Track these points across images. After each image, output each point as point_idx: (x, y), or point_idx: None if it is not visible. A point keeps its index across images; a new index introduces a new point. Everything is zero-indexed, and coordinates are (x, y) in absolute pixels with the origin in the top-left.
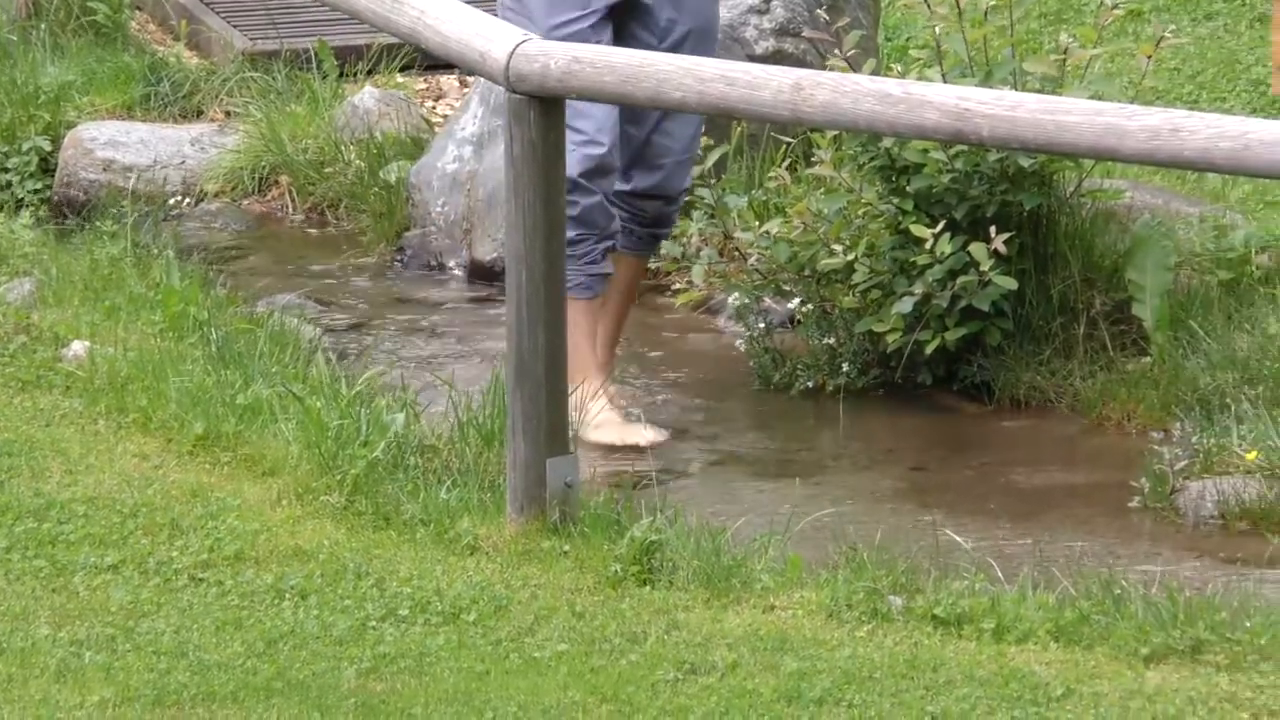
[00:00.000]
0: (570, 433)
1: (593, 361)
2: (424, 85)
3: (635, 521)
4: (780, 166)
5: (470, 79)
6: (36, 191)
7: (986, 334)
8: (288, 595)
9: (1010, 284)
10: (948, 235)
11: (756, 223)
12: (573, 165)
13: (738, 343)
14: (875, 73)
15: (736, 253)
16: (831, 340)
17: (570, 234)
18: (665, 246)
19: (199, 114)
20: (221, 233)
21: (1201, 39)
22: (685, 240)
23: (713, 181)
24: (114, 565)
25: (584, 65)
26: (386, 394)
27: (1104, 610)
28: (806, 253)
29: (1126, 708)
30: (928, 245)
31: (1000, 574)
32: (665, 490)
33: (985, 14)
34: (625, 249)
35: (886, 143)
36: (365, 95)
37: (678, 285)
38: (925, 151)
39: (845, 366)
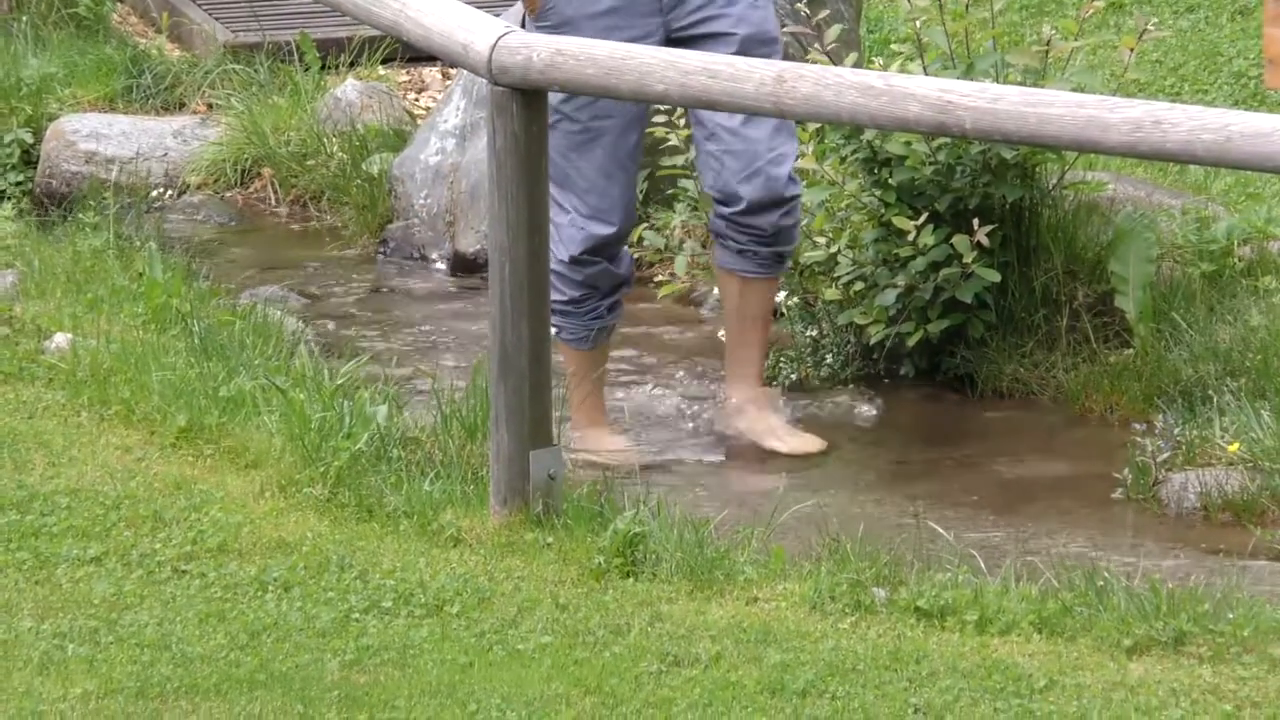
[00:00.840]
0: (554, 425)
1: (598, 409)
2: (406, 77)
3: (618, 514)
4: None
5: (453, 71)
6: (19, 184)
7: (969, 326)
8: (271, 587)
9: (993, 276)
10: (930, 227)
11: None
12: (574, 243)
13: (721, 335)
14: (857, 66)
15: None
16: (814, 332)
17: (574, 293)
18: (648, 237)
19: (181, 106)
20: (204, 225)
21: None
22: (668, 232)
23: (695, 174)
24: (97, 557)
25: (566, 58)
26: (369, 386)
27: (1087, 602)
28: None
29: (1109, 699)
30: (910, 237)
31: (983, 566)
32: (649, 482)
33: (966, 6)
34: (752, 274)
35: (869, 135)
36: (347, 88)
37: (661, 277)
38: (908, 144)
39: (828, 358)
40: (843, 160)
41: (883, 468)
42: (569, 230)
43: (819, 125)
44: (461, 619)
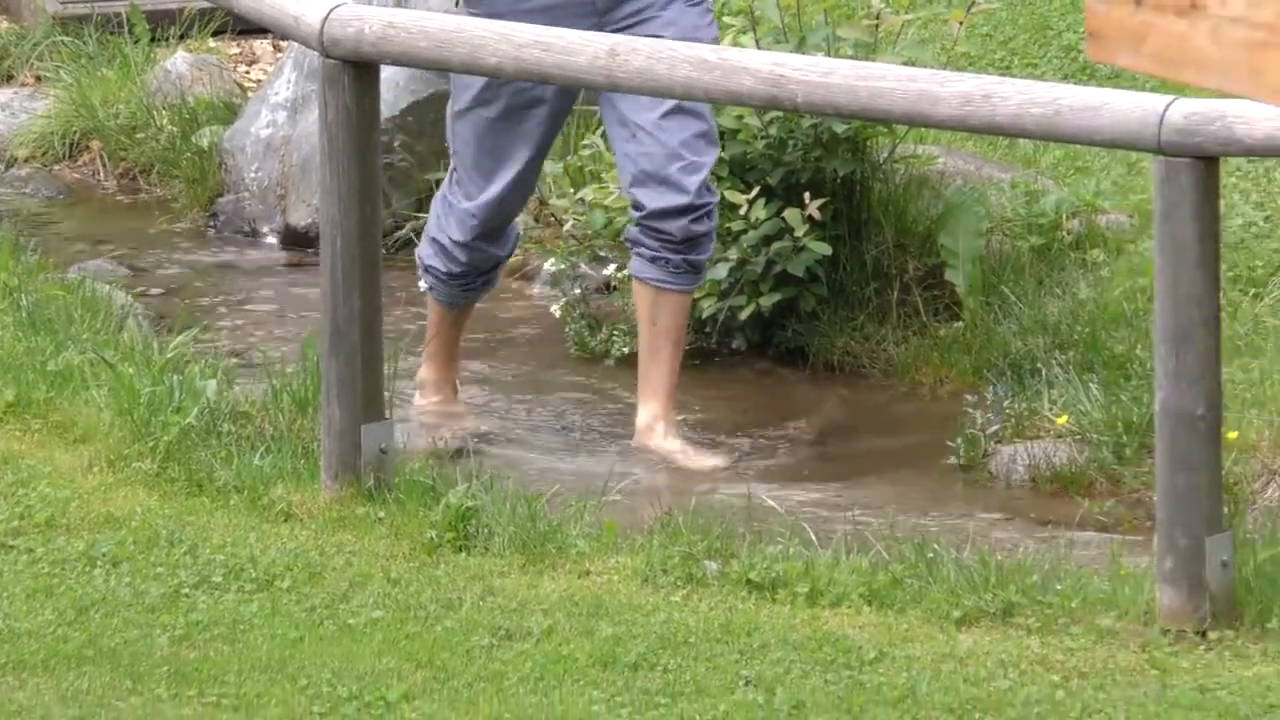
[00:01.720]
0: (386, 398)
1: (449, 358)
2: (237, 50)
3: (451, 488)
4: (595, 133)
5: (284, 44)
6: None
7: (801, 299)
8: (99, 563)
9: (824, 249)
10: (762, 201)
11: (572, 189)
12: (467, 227)
13: (554, 309)
14: None
15: (552, 219)
16: None
17: (454, 268)
18: None
19: (9, 78)
20: (32, 198)
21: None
22: None
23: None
24: None
25: (398, 30)
26: (199, 360)
27: (917, 574)
28: (622, 219)
29: (938, 670)
30: (742, 211)
31: (814, 538)
32: (481, 457)
33: None
34: (665, 284)
35: None
36: (177, 60)
37: None
38: (740, 118)
39: None
40: None
41: (714, 441)
42: (459, 212)
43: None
44: (292, 594)
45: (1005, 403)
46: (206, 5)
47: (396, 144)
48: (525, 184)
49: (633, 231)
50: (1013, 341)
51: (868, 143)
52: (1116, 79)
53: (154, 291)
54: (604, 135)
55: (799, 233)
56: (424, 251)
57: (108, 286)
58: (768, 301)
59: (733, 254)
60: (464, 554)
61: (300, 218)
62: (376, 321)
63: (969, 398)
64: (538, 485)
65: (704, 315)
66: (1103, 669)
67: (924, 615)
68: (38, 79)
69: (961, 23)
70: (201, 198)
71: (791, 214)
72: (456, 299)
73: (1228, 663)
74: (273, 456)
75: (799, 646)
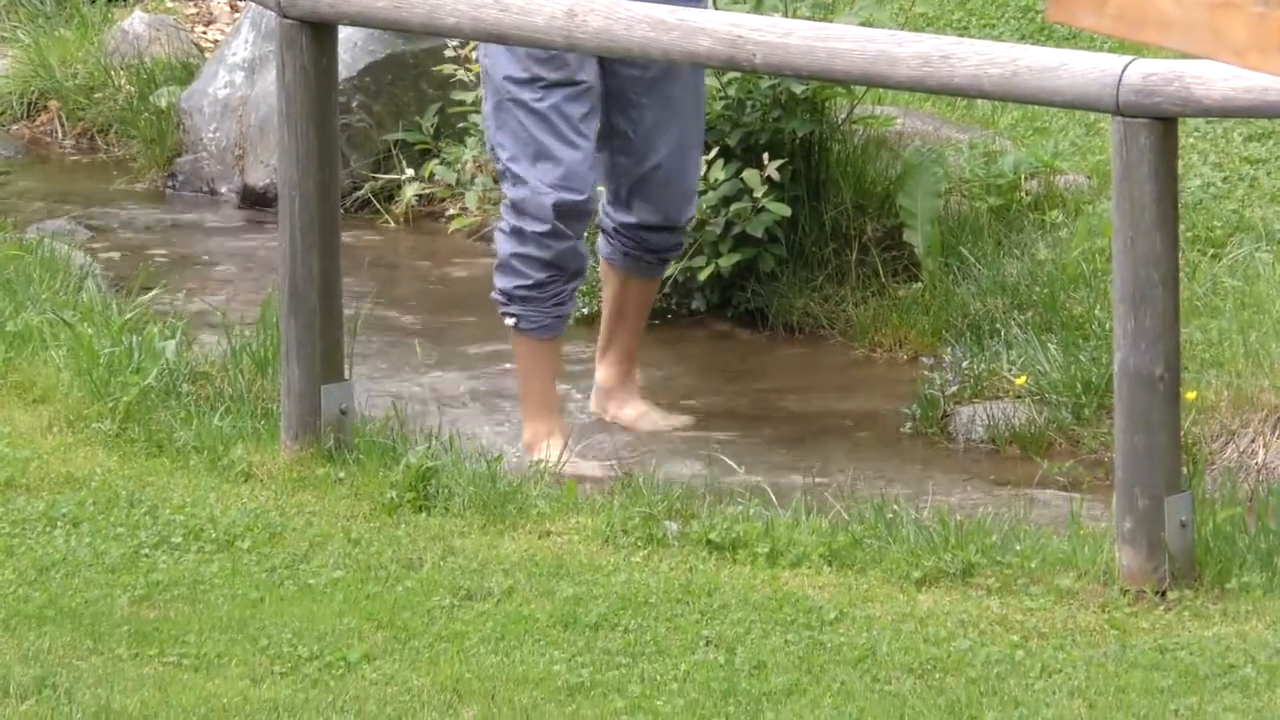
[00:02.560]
0: (345, 359)
1: (554, 407)
2: (194, 10)
3: (411, 448)
4: None
5: (241, 4)
6: None
7: (760, 260)
8: (59, 523)
9: (783, 210)
10: (721, 162)
11: None
12: (547, 209)
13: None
14: None
15: None
16: None
17: (540, 275)
18: (439, 172)
19: None
20: None
21: None
22: (460, 167)
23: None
24: None
25: None
26: (159, 321)
27: (876, 534)
28: None
29: (899, 630)
30: (701, 172)
31: (774, 499)
32: (440, 417)
33: None
34: (634, 273)
35: None
36: (135, 20)
37: (452, 211)
38: None
39: None
40: None
41: (675, 402)
42: (534, 202)
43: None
44: (252, 554)
45: (964, 363)
46: None
47: (354, 104)
48: (587, 159)
49: (607, 223)
50: (971, 302)
51: (826, 104)
52: (1074, 40)
53: (113, 252)
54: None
55: (758, 194)
56: (502, 282)
57: (66, 246)
58: (727, 262)
59: None
60: (424, 514)
61: (258, 178)
62: (335, 282)
63: (927, 359)
64: (497, 446)
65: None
66: (1062, 629)
67: (884, 575)
68: None
69: None
70: (160, 158)
71: (750, 175)
72: (548, 320)
73: (1187, 623)
74: (232, 417)
75: (759, 607)
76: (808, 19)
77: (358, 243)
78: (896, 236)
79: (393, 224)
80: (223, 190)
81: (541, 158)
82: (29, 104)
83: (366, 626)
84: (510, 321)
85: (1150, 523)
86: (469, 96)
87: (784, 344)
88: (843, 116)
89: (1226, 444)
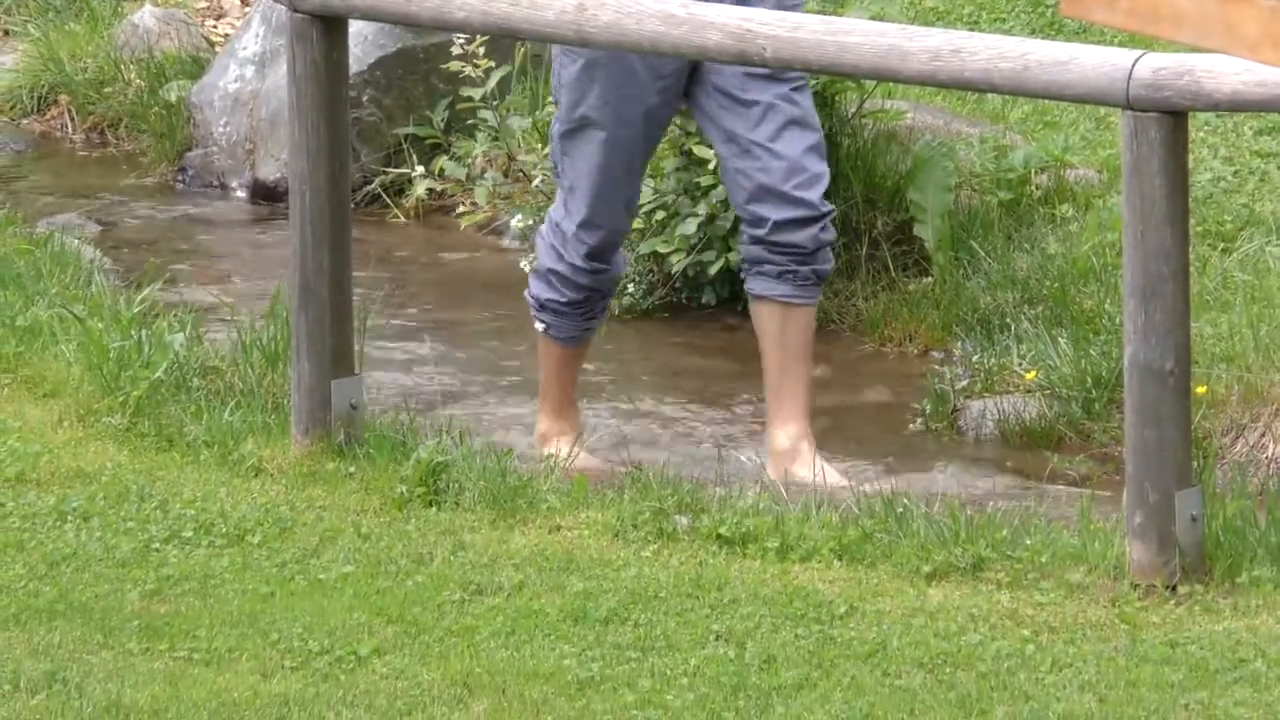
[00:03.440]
0: (356, 353)
1: (572, 406)
2: (205, 4)
3: (421, 443)
4: None
5: None
6: None
7: None
8: (70, 517)
9: None
10: None
11: (540, 144)
12: (589, 247)
13: (522, 264)
14: None
15: (520, 174)
16: None
17: (576, 296)
18: (449, 168)
19: None
20: None
21: None
22: (469, 161)
23: (496, 103)
24: None
25: None
26: (168, 315)
27: (886, 529)
28: None
29: (909, 625)
30: (711, 166)
31: (784, 493)
32: (451, 412)
33: None
34: (794, 299)
35: None
36: (145, 14)
37: (462, 206)
38: None
39: (630, 288)
40: None
41: (685, 396)
42: (578, 240)
43: None
44: (263, 549)
45: (974, 358)
46: None
47: (365, 99)
48: (635, 197)
49: (753, 251)
50: (982, 297)
51: (836, 98)
52: (1084, 34)
53: (123, 246)
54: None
55: None
56: (537, 289)
57: (76, 241)
58: (736, 257)
59: (702, 209)
60: (434, 509)
61: (269, 172)
62: (346, 276)
63: (937, 354)
64: (507, 440)
65: (673, 270)
66: (1073, 624)
67: (894, 570)
68: (5, 33)
69: None
70: (170, 152)
71: None
72: (577, 332)
73: (1197, 617)
74: (243, 411)
75: (769, 601)
76: (818, 13)
77: (368, 237)
78: (907, 231)
79: (403, 219)
80: (233, 184)
81: (597, 197)
82: (39, 98)
83: (377, 621)
84: (540, 327)
85: (1161, 517)
86: (478, 93)
87: None
88: (853, 111)
89: (1237, 438)
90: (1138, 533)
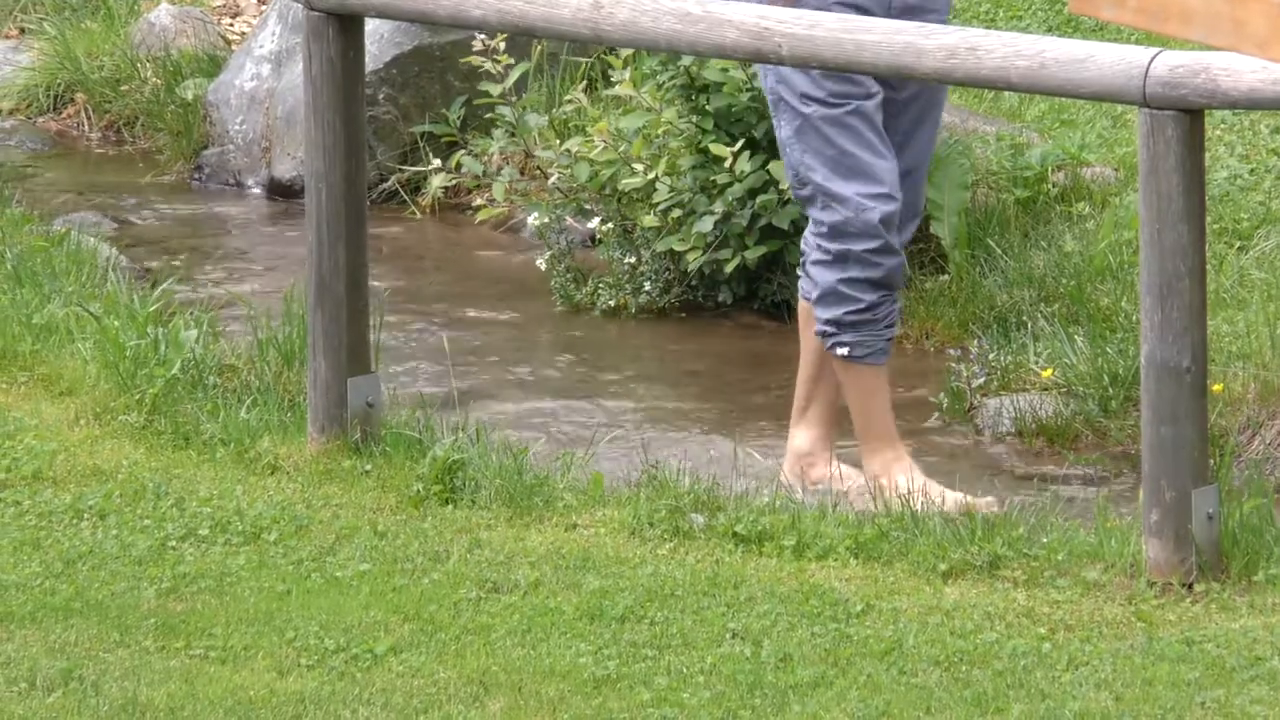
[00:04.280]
0: (372, 351)
1: (895, 432)
2: (221, 2)
3: (437, 441)
4: (577, 88)
5: None
6: None
7: (786, 252)
8: (86, 515)
9: None
10: (747, 154)
11: (557, 141)
12: (874, 225)
13: (539, 261)
14: None
15: (538, 171)
16: (633, 259)
17: (871, 297)
18: (466, 163)
19: None
20: (16, 151)
21: None
22: (486, 158)
23: (513, 100)
24: None
25: None
26: (184, 313)
27: (903, 527)
28: (607, 171)
29: (925, 623)
30: (727, 164)
31: (800, 491)
32: (467, 410)
33: None
34: None
35: (686, 61)
36: (161, 12)
37: (479, 202)
38: (725, 70)
39: (647, 285)
40: (660, 87)
41: (701, 394)
42: (859, 221)
43: (630, 52)
44: (279, 546)
45: (991, 355)
46: None
47: (381, 97)
48: (895, 165)
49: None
50: (998, 294)
51: None
52: (1101, 31)
53: (139, 244)
54: (587, 89)
55: (783, 185)
56: (829, 312)
57: (92, 239)
58: (753, 255)
59: (718, 207)
60: (451, 507)
61: (285, 170)
62: (362, 274)
63: (954, 351)
64: (523, 438)
65: (690, 269)
66: (1089, 622)
67: (910, 568)
68: (21, 31)
69: None
70: (186, 150)
71: (776, 166)
72: (881, 344)
73: (1214, 615)
74: (259, 409)
75: (786, 599)
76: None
77: (384, 235)
78: (923, 228)
79: (419, 216)
80: (249, 182)
81: (857, 172)
82: (55, 97)
83: (393, 619)
84: (843, 352)
85: (1177, 515)
86: (497, 89)
87: None
88: None
89: (1253, 436)
90: (1154, 531)
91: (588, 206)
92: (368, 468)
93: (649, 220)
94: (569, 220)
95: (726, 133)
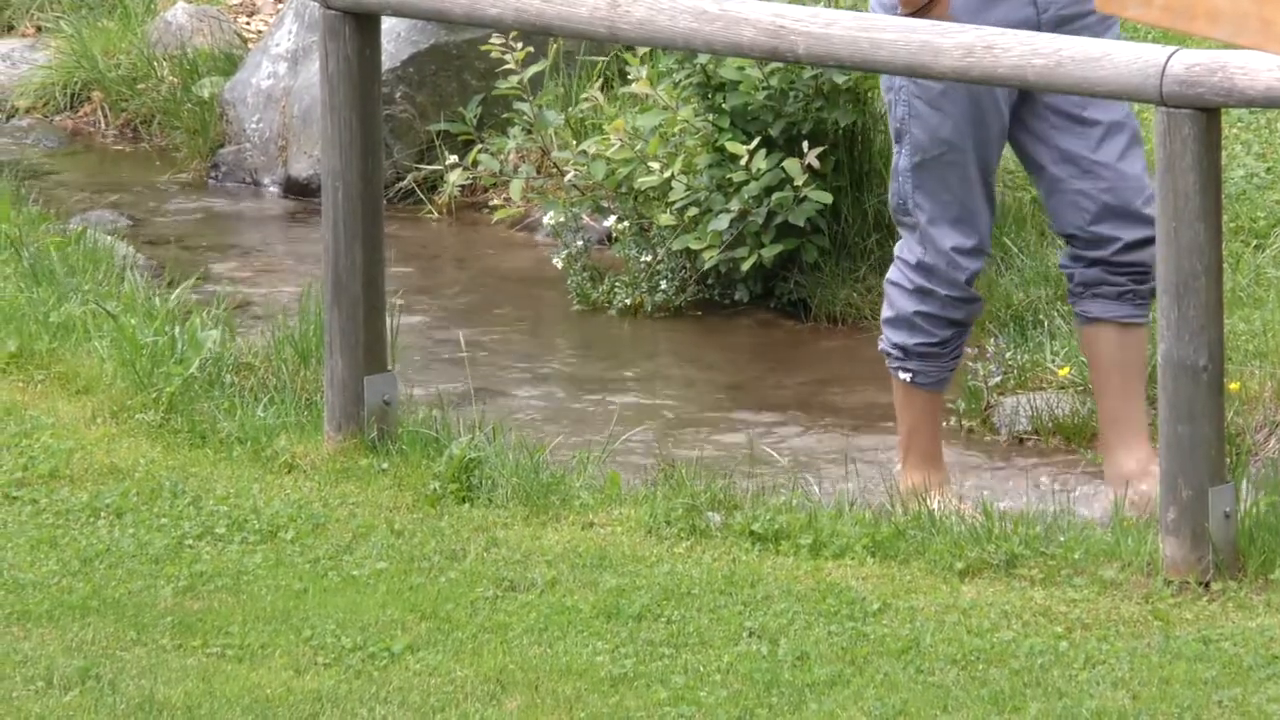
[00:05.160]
0: (388, 349)
1: (940, 456)
2: (237, 1)
3: (454, 439)
4: (594, 87)
5: None
6: None
7: (803, 250)
8: (103, 514)
9: (825, 198)
10: (763, 152)
11: (574, 140)
12: (961, 279)
13: (555, 260)
14: None
15: (554, 170)
16: (649, 258)
17: (946, 333)
18: (483, 161)
19: (10, 29)
20: (33, 149)
21: None
22: (503, 157)
23: (530, 98)
24: None
25: None
26: (201, 311)
27: (920, 525)
28: (624, 170)
29: (942, 621)
30: (744, 162)
31: (817, 490)
32: (483, 408)
33: None
34: (1133, 319)
35: (702, 59)
36: (178, 10)
37: (495, 201)
38: (741, 69)
39: (663, 284)
40: (676, 85)
41: (717, 393)
42: (948, 273)
43: (646, 50)
44: (296, 545)
45: (1007, 354)
46: None
47: (398, 95)
48: (993, 215)
49: (1092, 273)
50: (1015, 293)
51: (869, 93)
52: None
53: (156, 242)
54: (604, 87)
55: (799, 183)
56: (900, 337)
57: (109, 237)
58: (769, 253)
59: (734, 205)
60: (467, 505)
61: (301, 169)
62: (379, 273)
63: (970, 350)
64: (540, 436)
65: (706, 267)
66: (1106, 620)
67: (927, 567)
68: (38, 29)
69: None
70: (202, 148)
71: (791, 164)
72: (945, 374)
73: (1230, 614)
74: (276, 408)
75: (802, 598)
76: (851, 9)
77: (401, 233)
78: None
79: (436, 214)
80: (266, 181)
81: (961, 223)
82: (72, 95)
83: (410, 617)
84: (905, 377)
85: (1194, 513)
86: (513, 80)
87: (826, 335)
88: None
89: (1270, 435)
90: (1171, 529)
91: (604, 205)
92: (384, 466)
93: (665, 218)
94: (585, 219)
95: (743, 130)
